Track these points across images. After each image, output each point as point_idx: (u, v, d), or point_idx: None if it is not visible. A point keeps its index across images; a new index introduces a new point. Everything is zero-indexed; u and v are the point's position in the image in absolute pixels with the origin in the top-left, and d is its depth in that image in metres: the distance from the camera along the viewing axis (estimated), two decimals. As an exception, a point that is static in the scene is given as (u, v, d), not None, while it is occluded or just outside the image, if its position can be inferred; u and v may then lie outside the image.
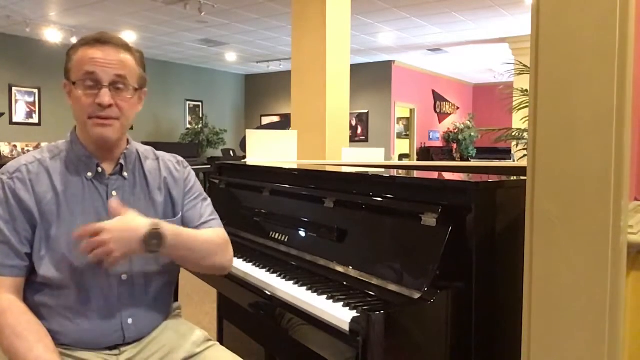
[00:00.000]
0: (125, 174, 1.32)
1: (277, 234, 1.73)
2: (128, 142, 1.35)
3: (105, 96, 1.21)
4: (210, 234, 1.37)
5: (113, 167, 1.31)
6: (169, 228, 1.22)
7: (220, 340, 2.26)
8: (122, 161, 1.31)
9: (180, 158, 1.48)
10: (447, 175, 1.71)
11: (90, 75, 1.21)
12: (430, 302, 1.13)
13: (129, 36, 8.44)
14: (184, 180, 1.42)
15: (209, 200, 1.47)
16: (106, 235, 1.12)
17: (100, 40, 1.23)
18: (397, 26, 7.92)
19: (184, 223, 1.39)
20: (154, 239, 1.18)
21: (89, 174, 1.27)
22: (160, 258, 1.32)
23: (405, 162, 8.50)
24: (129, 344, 1.28)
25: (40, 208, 1.21)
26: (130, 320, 1.27)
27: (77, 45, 1.25)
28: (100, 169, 1.28)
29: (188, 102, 11.53)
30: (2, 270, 1.17)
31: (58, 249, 1.21)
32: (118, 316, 1.26)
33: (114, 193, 1.29)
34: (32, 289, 1.23)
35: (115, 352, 1.27)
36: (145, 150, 1.42)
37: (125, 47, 1.27)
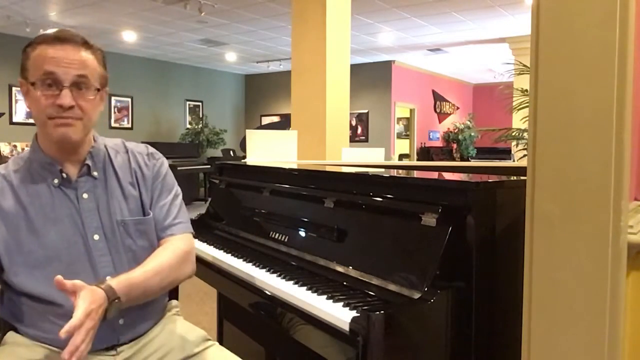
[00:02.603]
0: (94, 173, 1.28)
1: (277, 234, 1.73)
2: (95, 140, 1.31)
3: (67, 97, 1.16)
4: (164, 254, 1.29)
5: (79, 169, 1.26)
6: (120, 288, 1.13)
7: (220, 340, 2.26)
8: (88, 161, 1.27)
9: (152, 150, 1.41)
10: (447, 175, 1.71)
11: (50, 75, 1.16)
12: (430, 302, 1.13)
13: (129, 36, 8.44)
14: (152, 176, 1.36)
15: (180, 197, 1.42)
16: (81, 337, 1.01)
17: (60, 37, 1.18)
18: (397, 26, 7.92)
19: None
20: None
21: (55, 181, 1.23)
22: (143, 258, 1.28)
23: (405, 162, 8.49)
24: (124, 344, 1.27)
25: (6, 224, 1.18)
26: (121, 322, 1.25)
27: (34, 42, 1.19)
28: (64, 175, 1.23)
29: (188, 102, 11.52)
30: None
31: (35, 263, 1.18)
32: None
33: (84, 195, 1.25)
34: (17, 298, 1.21)
35: (112, 352, 1.26)
36: (115, 144, 1.37)
37: (86, 45, 1.22)
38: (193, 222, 2.22)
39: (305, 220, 1.69)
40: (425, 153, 11.34)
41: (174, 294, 1.54)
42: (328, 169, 2.12)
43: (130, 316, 1.27)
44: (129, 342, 1.28)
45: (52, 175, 1.23)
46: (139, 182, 1.35)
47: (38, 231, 1.19)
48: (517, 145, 4.95)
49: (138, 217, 1.31)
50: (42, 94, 1.17)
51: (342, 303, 1.22)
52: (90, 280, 1.19)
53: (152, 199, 1.35)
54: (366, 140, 11.00)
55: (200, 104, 11.77)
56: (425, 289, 1.15)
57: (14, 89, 8.64)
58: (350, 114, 7.40)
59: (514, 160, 8.28)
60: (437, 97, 12.42)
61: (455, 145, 12.44)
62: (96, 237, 1.24)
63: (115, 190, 1.30)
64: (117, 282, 1.14)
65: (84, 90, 1.20)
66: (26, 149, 1.29)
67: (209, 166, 9.63)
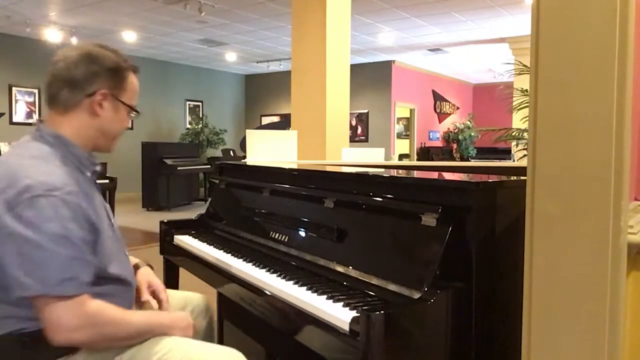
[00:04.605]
0: None
1: (277, 234, 1.73)
2: None
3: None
4: None
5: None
6: None
7: (220, 340, 2.26)
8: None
9: None
10: (447, 175, 1.71)
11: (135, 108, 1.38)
12: (430, 302, 1.13)
13: (129, 36, 8.44)
14: None
15: None
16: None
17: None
18: (397, 26, 7.92)
19: None
20: None
21: (88, 174, 1.33)
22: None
23: (405, 162, 8.49)
24: None
25: (95, 216, 1.24)
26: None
27: (128, 67, 1.36)
28: (98, 168, 1.37)
29: (188, 102, 11.52)
30: (86, 289, 1.16)
31: (112, 248, 1.29)
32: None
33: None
34: (102, 292, 1.25)
35: None
36: None
37: None
38: (193, 222, 2.23)
39: (305, 220, 1.69)
40: (425, 153, 11.33)
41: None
42: (328, 169, 2.12)
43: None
44: None
45: (86, 168, 1.32)
46: None
47: (101, 218, 1.28)
48: (517, 145, 4.95)
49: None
50: (127, 117, 1.37)
51: (342, 303, 1.22)
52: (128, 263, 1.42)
53: None
54: (366, 140, 11.00)
55: (200, 104, 11.77)
56: (425, 289, 1.15)
57: (14, 89, 8.65)
58: (350, 114, 7.40)
59: (514, 160, 8.28)
60: (437, 97, 12.42)
61: (455, 145, 12.43)
62: (115, 226, 1.39)
63: None
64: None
65: None
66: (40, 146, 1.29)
67: (209, 166, 9.61)
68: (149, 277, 1.52)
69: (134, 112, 1.38)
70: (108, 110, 1.30)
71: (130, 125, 1.40)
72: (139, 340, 1.24)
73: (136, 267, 1.53)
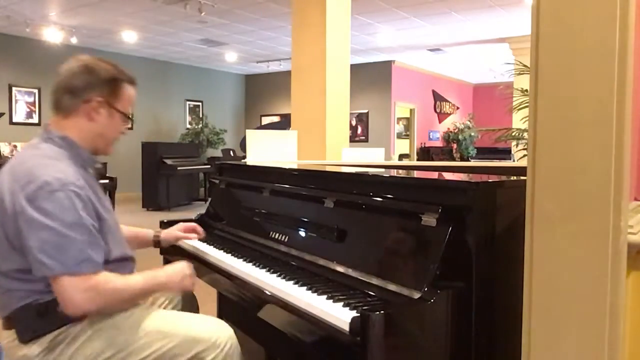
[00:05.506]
0: None
1: (277, 234, 1.73)
2: None
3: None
4: None
5: None
6: None
7: (220, 340, 2.26)
8: None
9: None
10: (447, 175, 1.71)
11: (130, 115, 1.53)
12: (430, 302, 1.13)
13: (129, 36, 8.44)
14: None
15: None
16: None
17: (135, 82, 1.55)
18: (397, 26, 7.92)
19: None
20: None
21: (90, 170, 1.48)
22: None
23: (405, 162, 8.49)
24: None
25: (93, 199, 1.39)
26: None
27: (124, 78, 1.48)
28: (98, 165, 1.52)
29: (188, 102, 11.52)
30: (99, 268, 1.32)
31: (109, 228, 1.43)
32: None
33: None
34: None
35: None
36: None
37: None
38: (193, 222, 2.23)
39: (305, 220, 1.69)
40: (425, 153, 11.32)
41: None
42: (328, 169, 2.12)
43: None
44: None
45: (89, 166, 1.49)
46: None
47: (105, 208, 1.44)
48: (517, 145, 4.95)
49: None
50: (122, 124, 1.51)
51: (342, 303, 1.22)
52: (124, 240, 1.54)
53: None
54: (366, 140, 11.00)
55: (200, 104, 11.77)
56: (425, 289, 1.15)
57: (14, 89, 8.64)
58: (350, 114, 7.39)
59: (514, 160, 8.28)
60: (437, 97, 12.42)
61: (455, 145, 12.43)
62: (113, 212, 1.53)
63: None
64: None
65: None
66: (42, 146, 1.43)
67: (209, 166, 9.61)
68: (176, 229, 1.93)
69: (128, 119, 1.52)
70: (103, 116, 1.45)
71: (125, 130, 1.54)
72: (143, 299, 1.47)
73: (156, 238, 1.91)
